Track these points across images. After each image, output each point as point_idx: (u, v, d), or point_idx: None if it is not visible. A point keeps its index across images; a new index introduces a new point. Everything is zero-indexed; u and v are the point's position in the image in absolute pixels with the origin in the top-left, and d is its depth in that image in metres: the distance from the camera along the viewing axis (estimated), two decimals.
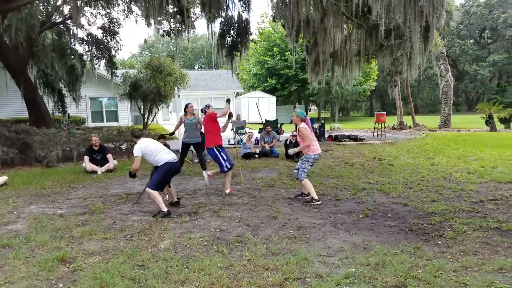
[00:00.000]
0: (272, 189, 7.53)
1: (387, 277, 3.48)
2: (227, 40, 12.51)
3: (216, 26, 16.67)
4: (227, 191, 7.09)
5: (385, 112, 19.65)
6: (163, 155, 5.89)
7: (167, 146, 10.81)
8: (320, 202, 6.34)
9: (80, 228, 5.12)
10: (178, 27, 12.75)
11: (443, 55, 23.83)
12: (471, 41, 57.21)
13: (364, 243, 4.43)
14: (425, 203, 6.13)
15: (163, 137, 10.96)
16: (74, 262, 4.00)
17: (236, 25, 12.25)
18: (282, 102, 37.16)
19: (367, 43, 10.70)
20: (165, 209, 5.68)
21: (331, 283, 3.36)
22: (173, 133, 9.69)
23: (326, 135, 17.45)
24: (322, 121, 18.67)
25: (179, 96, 14.06)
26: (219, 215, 5.65)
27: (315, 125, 17.90)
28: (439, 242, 4.39)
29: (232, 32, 12.42)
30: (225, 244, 4.44)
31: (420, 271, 3.59)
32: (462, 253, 4.04)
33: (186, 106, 9.41)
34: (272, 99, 33.70)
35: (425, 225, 5.05)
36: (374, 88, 38.86)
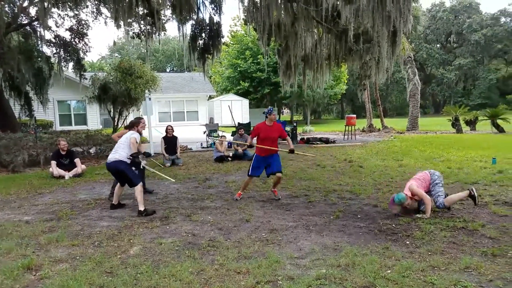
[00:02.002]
0: (245, 192, 7.51)
1: (357, 277, 3.54)
2: (199, 43, 12.43)
3: (188, 28, 16.51)
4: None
5: (355, 115, 20.00)
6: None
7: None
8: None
9: (46, 235, 4.97)
10: (148, 29, 12.57)
11: (411, 59, 24.48)
12: (438, 45, 59.13)
13: (334, 244, 4.49)
14: None
15: None
16: (40, 270, 3.88)
17: (208, 27, 12.20)
18: (255, 105, 37.25)
19: (336, 47, 10.86)
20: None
21: (302, 285, 3.39)
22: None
23: (299, 137, 17.62)
24: (295, 124, 18.85)
25: (150, 99, 13.85)
26: (191, 220, 5.61)
27: (288, 128, 18.06)
28: (407, 242, 4.50)
29: (203, 34, 12.35)
30: (197, 248, 4.41)
31: (389, 271, 3.67)
32: (429, 253, 4.15)
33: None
34: (245, 102, 33.75)
35: (393, 225, 5.17)
36: (344, 92, 39.50)
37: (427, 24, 56.89)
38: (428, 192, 5.78)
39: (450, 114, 22.17)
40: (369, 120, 24.69)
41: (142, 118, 6.51)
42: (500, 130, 20.11)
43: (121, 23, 11.09)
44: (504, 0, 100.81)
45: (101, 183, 8.75)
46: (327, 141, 16.67)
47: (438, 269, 3.73)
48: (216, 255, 4.19)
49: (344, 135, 19.07)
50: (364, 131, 23.45)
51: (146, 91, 20.08)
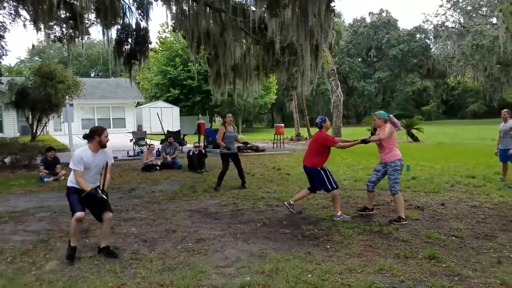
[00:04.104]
0: (172, 202, 7.40)
1: (280, 283, 3.64)
2: (125, 48, 12.11)
3: (113, 33, 15.97)
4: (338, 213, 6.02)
5: (283, 124, 20.56)
6: None
7: (57, 159, 10.06)
8: (406, 222, 5.67)
9: None
10: (70, 33, 11.98)
11: (334, 72, 25.70)
12: (359, 59, 62.80)
13: (260, 251, 4.58)
14: (317, 210, 6.54)
15: (52, 149, 10.20)
16: None
17: (134, 33, 11.93)
18: (186, 113, 36.81)
19: (265, 58, 11.16)
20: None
21: None
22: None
23: None
24: None
25: (71, 105, 13.14)
26: (113, 232, 5.38)
27: None
28: (328, 246, 4.71)
29: (130, 40, 12.05)
30: (119, 262, 4.25)
31: (309, 276, 3.81)
32: (347, 256, 4.37)
33: (225, 116, 9.02)
34: (176, 109, 33.23)
35: (316, 230, 5.38)
36: (274, 101, 40.44)
37: (350, 39, 60.26)
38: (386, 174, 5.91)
39: (370, 124, 23.57)
40: (297, 129, 25.50)
41: (105, 129, 4.66)
42: (415, 139, 21.79)
43: (41, 26, 10.51)
44: (419, 18, 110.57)
45: (16, 195, 8.12)
46: (257, 149, 16.93)
47: (355, 271, 3.94)
48: (139, 268, 4.07)
49: (274, 143, 19.50)
50: (292, 139, 24.17)
51: (67, 97, 19.11)
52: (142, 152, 13.69)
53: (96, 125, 24.59)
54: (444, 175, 9.65)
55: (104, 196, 4.41)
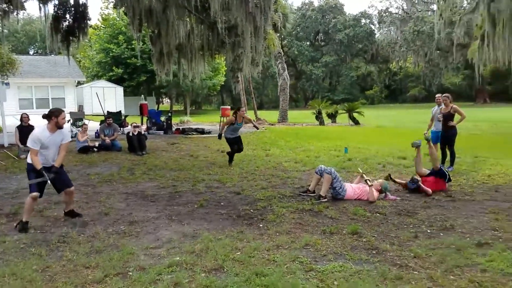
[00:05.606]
0: (108, 184, 7.24)
1: (208, 261, 3.71)
2: (63, 25, 11.49)
3: (50, 9, 15.02)
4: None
5: (229, 107, 20.58)
6: None
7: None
8: (326, 200, 6.00)
9: None
10: (4, 7, 11.18)
11: (281, 55, 25.92)
12: (308, 43, 63.47)
13: (194, 232, 4.62)
14: (255, 191, 6.67)
15: None
16: None
17: (73, 9, 11.34)
18: (131, 93, 35.60)
19: (209, 38, 11.01)
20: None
21: (152, 274, 3.43)
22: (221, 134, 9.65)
23: (174, 128, 17.45)
24: (170, 114, 18.61)
25: (7, 84, 12.35)
26: (42, 215, 5.21)
27: (163, 118, 17.75)
28: (261, 225, 4.85)
29: (68, 16, 11.46)
30: (45, 245, 4.14)
31: (238, 253, 3.92)
32: (277, 234, 4.53)
33: (239, 109, 9.59)
34: (119, 89, 32.08)
35: (251, 210, 5.51)
36: (223, 83, 40.11)
37: (298, 22, 60.57)
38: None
39: (315, 107, 24.14)
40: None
41: (63, 111, 4.98)
42: (356, 122, 22.61)
43: None
44: (365, 2, 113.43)
45: None
46: (202, 131, 16.85)
47: (282, 247, 4.11)
48: (66, 251, 3.99)
49: (220, 126, 19.45)
50: None
51: (1, 75, 17.92)
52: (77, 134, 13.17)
53: (35, 105, 23.25)
54: (378, 157, 10.14)
55: (47, 177, 4.71)
